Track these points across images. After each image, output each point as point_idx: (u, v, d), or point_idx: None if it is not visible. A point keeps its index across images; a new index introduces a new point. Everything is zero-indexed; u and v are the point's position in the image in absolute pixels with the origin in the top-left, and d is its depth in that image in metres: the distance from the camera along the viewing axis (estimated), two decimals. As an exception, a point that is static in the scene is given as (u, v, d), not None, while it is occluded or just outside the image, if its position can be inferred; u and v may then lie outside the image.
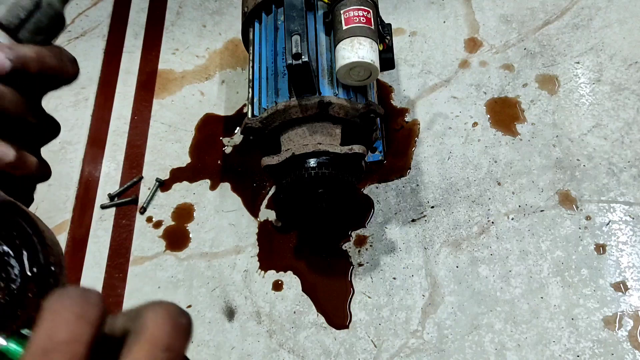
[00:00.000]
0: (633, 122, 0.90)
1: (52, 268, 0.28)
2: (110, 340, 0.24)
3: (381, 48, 0.79)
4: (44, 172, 0.36)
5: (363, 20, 0.76)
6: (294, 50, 0.72)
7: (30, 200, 0.36)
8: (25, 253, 0.28)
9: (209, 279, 0.91)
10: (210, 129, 1.06)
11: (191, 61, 1.15)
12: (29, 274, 0.27)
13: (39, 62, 0.32)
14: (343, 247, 0.90)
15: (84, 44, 1.22)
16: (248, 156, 1.01)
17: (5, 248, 0.27)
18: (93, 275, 0.95)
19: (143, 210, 0.99)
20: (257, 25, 0.87)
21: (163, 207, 1.00)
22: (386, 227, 0.90)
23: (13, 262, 0.27)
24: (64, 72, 0.34)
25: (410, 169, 0.94)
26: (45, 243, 0.28)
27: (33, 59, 0.32)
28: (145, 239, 0.97)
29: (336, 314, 0.85)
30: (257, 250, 0.92)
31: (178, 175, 1.02)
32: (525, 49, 1.00)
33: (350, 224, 0.91)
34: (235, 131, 1.05)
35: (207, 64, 1.14)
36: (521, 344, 0.78)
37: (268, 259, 0.91)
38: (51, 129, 0.37)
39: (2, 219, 0.28)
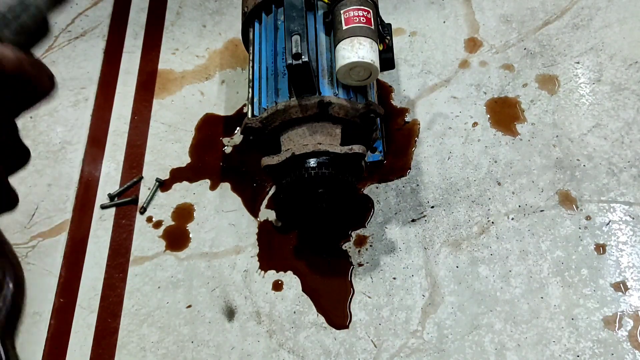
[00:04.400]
0: (633, 122, 0.90)
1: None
2: None
3: (381, 48, 0.79)
4: (11, 201, 0.33)
5: (363, 20, 0.76)
6: (294, 50, 0.72)
7: None
8: None
9: (209, 279, 0.91)
10: (210, 129, 1.06)
11: (191, 61, 1.15)
12: None
13: (16, 65, 0.30)
14: (343, 247, 0.90)
15: (84, 44, 1.22)
16: (248, 156, 1.01)
17: None
18: (93, 275, 0.95)
19: (143, 210, 0.99)
20: (257, 25, 0.87)
21: (163, 207, 1.00)
22: (386, 227, 0.90)
23: None
24: (40, 83, 0.32)
25: (410, 169, 0.94)
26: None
27: (11, 59, 0.30)
28: (145, 239, 0.97)
29: (336, 314, 0.85)
30: (257, 250, 0.92)
31: (178, 175, 1.02)
32: (525, 49, 1.00)
33: (350, 224, 0.91)
34: (235, 131, 1.05)
35: (207, 64, 1.14)
36: (521, 344, 0.78)
37: (268, 259, 0.91)
38: (21, 155, 0.34)
39: None
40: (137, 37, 1.21)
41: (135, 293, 0.92)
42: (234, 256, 0.92)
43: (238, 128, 1.05)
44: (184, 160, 1.04)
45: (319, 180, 0.76)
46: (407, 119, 0.99)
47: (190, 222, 0.97)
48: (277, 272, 0.90)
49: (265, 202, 0.97)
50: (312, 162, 0.76)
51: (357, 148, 0.76)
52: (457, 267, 0.84)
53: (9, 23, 0.33)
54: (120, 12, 1.25)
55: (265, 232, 0.94)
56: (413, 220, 0.89)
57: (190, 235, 0.96)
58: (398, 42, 1.05)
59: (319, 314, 0.85)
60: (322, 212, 0.84)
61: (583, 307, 0.78)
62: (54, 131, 1.11)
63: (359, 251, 0.89)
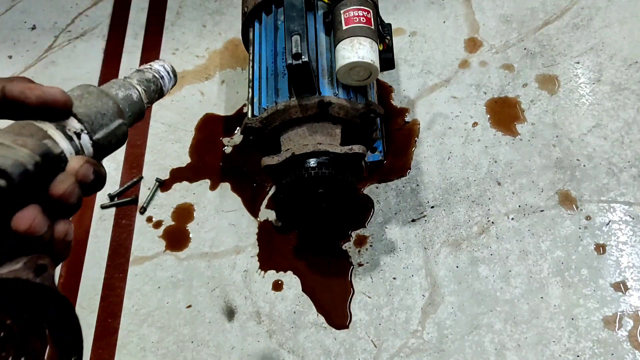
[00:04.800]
0: (633, 122, 0.90)
1: None
2: None
3: (381, 48, 0.79)
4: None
5: (363, 20, 0.76)
6: (294, 50, 0.72)
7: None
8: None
9: (209, 279, 0.91)
10: (210, 129, 1.06)
11: (191, 61, 1.15)
12: None
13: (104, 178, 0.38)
14: (343, 247, 0.90)
15: (84, 44, 1.22)
16: (248, 156, 1.01)
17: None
18: (93, 275, 0.95)
19: (143, 210, 0.99)
20: (257, 25, 0.87)
21: (163, 207, 1.00)
22: (386, 227, 0.90)
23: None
24: (98, 188, 0.38)
25: (410, 169, 0.94)
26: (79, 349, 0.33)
27: (104, 177, 0.38)
28: (145, 239, 0.97)
29: (336, 314, 0.85)
30: (257, 250, 0.92)
31: (178, 175, 1.02)
32: (525, 49, 1.00)
33: (350, 224, 0.91)
34: (235, 131, 1.05)
35: (207, 64, 1.14)
36: (521, 344, 0.78)
37: (268, 259, 0.91)
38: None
39: (55, 313, 0.32)
40: (137, 37, 1.21)
41: (135, 293, 0.92)
42: (234, 256, 0.92)
43: (238, 128, 1.05)
44: (184, 160, 1.04)
45: (319, 180, 0.76)
46: (407, 119, 0.99)
47: (190, 222, 0.97)
48: (277, 272, 0.90)
49: (265, 202, 0.97)
50: (312, 162, 0.76)
51: (357, 148, 0.76)
52: (457, 267, 0.84)
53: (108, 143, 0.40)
54: (120, 12, 1.25)
55: (265, 232, 0.94)
56: (413, 220, 0.89)
57: (190, 235, 0.96)
58: (398, 42, 1.05)
59: (319, 314, 0.85)
60: (322, 212, 0.84)
61: (583, 307, 0.78)
62: (54, 131, 1.11)
63: (359, 251, 0.89)
